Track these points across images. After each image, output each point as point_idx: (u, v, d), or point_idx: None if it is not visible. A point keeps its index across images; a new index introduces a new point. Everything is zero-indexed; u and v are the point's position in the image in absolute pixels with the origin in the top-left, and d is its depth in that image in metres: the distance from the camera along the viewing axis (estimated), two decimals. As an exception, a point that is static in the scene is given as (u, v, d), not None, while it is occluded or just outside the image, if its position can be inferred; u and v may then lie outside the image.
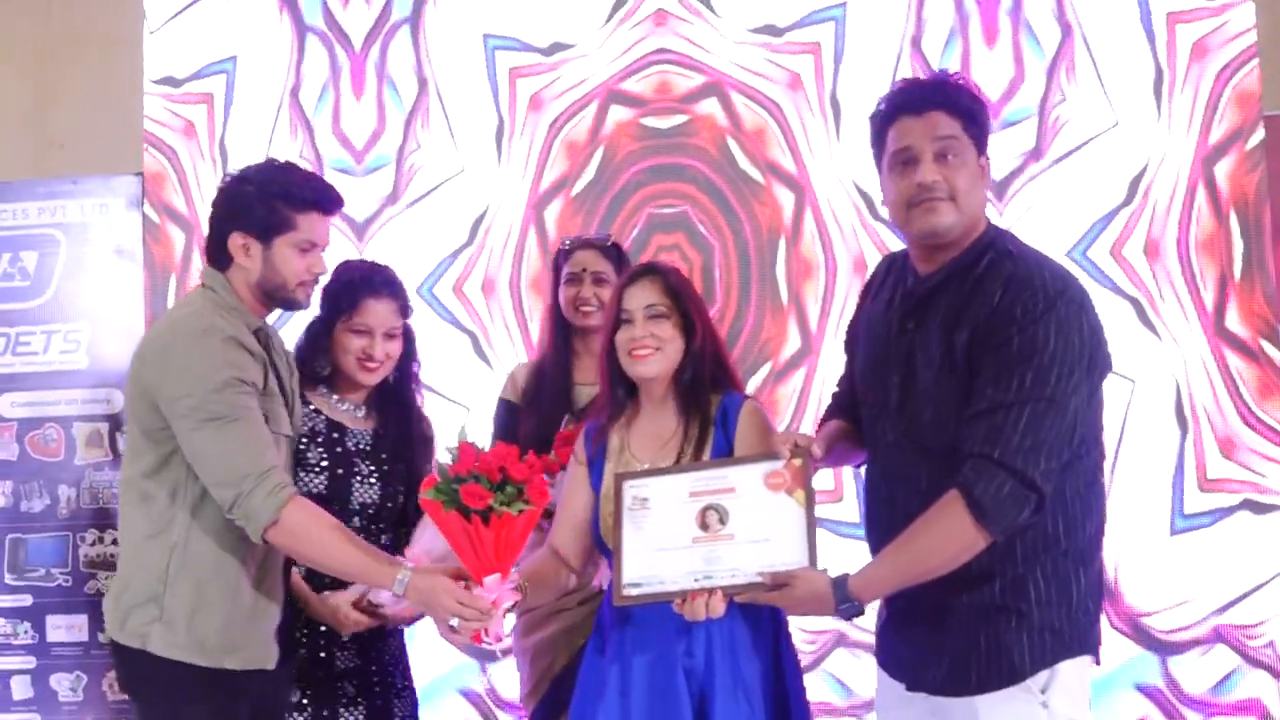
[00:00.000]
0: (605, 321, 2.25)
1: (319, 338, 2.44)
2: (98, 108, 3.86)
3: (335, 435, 2.41)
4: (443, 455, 2.05)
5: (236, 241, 2.22)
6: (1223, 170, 3.19)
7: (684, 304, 2.18)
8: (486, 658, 2.37)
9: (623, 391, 2.22)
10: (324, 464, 2.40)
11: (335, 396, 2.47)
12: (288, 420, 2.27)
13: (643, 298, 2.17)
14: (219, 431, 2.09)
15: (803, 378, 3.35)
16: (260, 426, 2.14)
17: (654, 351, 2.14)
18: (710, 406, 2.17)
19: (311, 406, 2.43)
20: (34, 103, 3.94)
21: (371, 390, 2.49)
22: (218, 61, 3.69)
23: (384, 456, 2.45)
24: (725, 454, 2.12)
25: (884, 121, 1.95)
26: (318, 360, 2.45)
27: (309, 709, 2.35)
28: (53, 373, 3.62)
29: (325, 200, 2.28)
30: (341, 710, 2.36)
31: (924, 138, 1.89)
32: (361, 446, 2.45)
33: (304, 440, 2.38)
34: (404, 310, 2.48)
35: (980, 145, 1.93)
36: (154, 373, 2.15)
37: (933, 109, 1.90)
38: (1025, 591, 1.86)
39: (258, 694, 2.21)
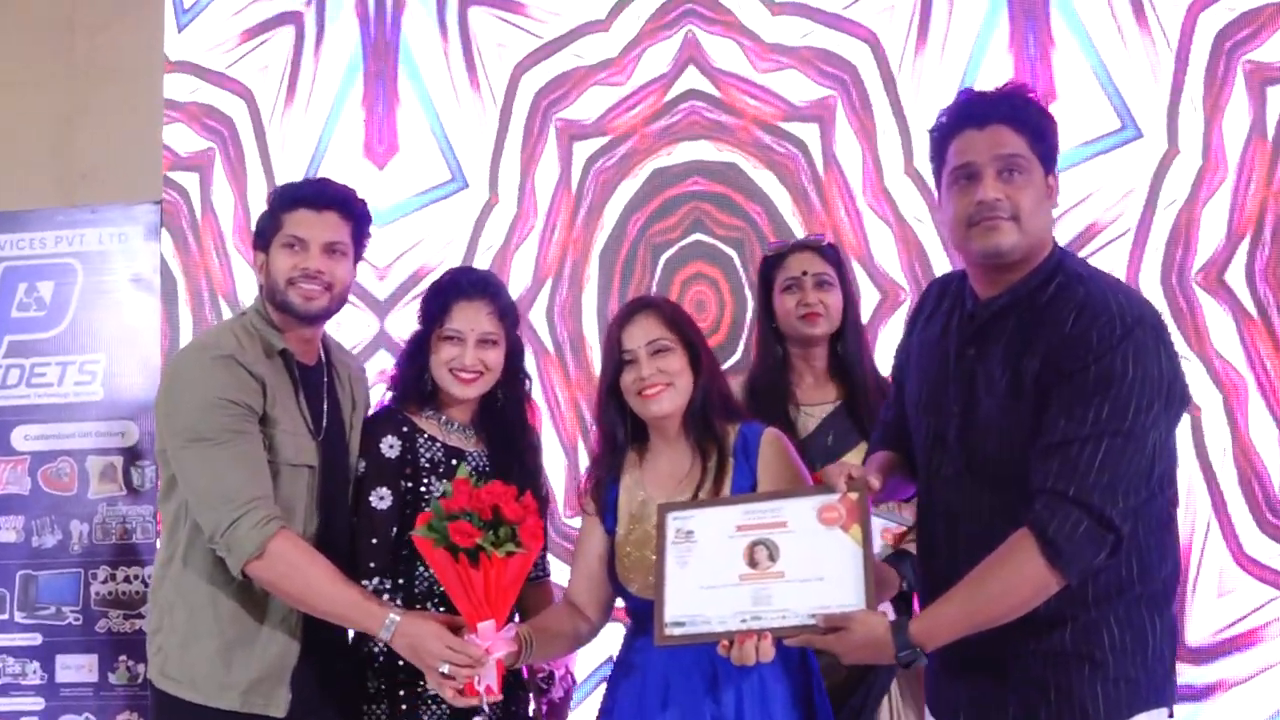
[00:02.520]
0: (603, 365, 2.15)
1: (417, 352, 2.25)
2: (118, 138, 3.81)
3: (454, 462, 2.19)
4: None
5: (257, 261, 2.23)
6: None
7: (686, 333, 2.10)
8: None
9: (623, 435, 2.13)
10: None
11: (443, 417, 2.27)
12: (313, 450, 2.17)
13: (643, 334, 2.07)
14: (204, 454, 2.03)
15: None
16: (252, 453, 2.06)
17: (665, 387, 2.05)
18: (727, 437, 2.08)
19: (426, 435, 2.23)
20: (56, 132, 3.89)
21: (477, 408, 2.29)
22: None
23: (503, 478, 2.14)
24: (749, 485, 2.03)
25: (945, 135, 1.86)
26: (420, 376, 2.25)
27: None
28: (67, 404, 3.54)
29: (311, 195, 2.20)
30: None
31: (986, 153, 1.80)
32: (482, 468, 2.24)
33: (425, 473, 2.20)
34: (502, 315, 2.26)
35: (1048, 163, 1.83)
36: (159, 391, 2.17)
37: (996, 122, 1.80)
38: (1098, 638, 1.75)
39: None
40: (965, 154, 1.81)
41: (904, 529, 2.18)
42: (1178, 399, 1.76)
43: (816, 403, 2.51)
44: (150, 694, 2.13)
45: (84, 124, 3.87)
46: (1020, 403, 1.76)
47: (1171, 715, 1.82)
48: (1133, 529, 1.71)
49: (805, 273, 2.51)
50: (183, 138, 3.65)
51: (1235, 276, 3.01)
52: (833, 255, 2.57)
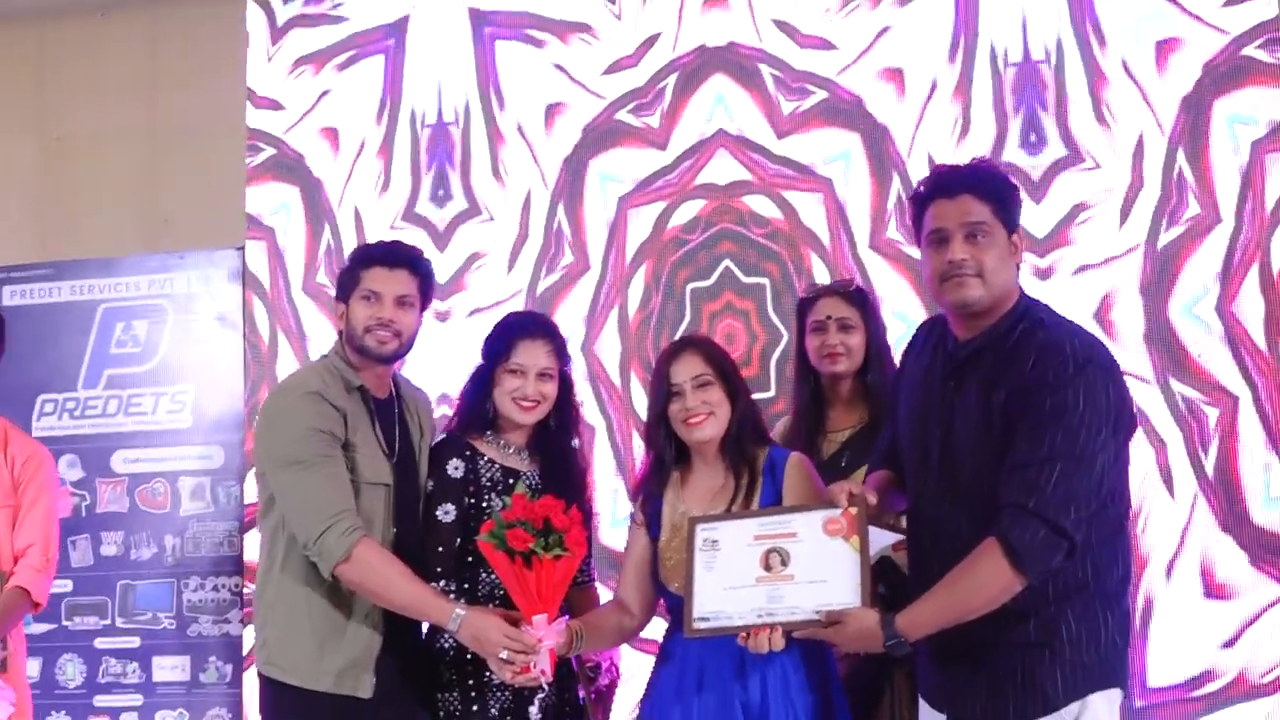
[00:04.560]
0: (652, 395, 2.42)
1: (482, 382, 2.55)
2: (203, 186, 4.17)
3: (511, 481, 2.48)
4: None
5: (338, 310, 2.55)
6: None
7: (725, 369, 2.37)
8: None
9: (670, 457, 2.41)
10: None
11: (501, 440, 2.54)
12: (388, 470, 2.48)
13: (688, 370, 2.34)
14: (298, 475, 2.35)
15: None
16: (338, 473, 2.37)
17: (707, 417, 2.33)
18: (758, 459, 2.36)
19: (486, 458, 2.52)
20: (145, 182, 4.25)
21: (532, 433, 2.56)
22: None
23: (553, 494, 2.40)
24: (774, 502, 2.31)
25: (922, 202, 2.14)
26: (483, 404, 2.54)
27: None
28: (160, 431, 3.92)
29: (386, 255, 2.53)
30: None
31: (954, 220, 2.07)
32: (534, 486, 2.50)
33: (485, 491, 2.48)
34: (559, 354, 2.54)
35: (1010, 225, 2.11)
36: (257, 424, 2.51)
37: (963, 192, 2.08)
38: (1057, 629, 2.02)
39: None
40: (937, 220, 2.10)
41: (903, 540, 2.49)
42: (1125, 426, 2.05)
43: (840, 428, 2.79)
44: (259, 681, 2.46)
45: (169, 177, 4.22)
46: (990, 430, 2.04)
47: (1125, 695, 2.08)
48: (1086, 536, 1.98)
49: (829, 317, 2.76)
50: (264, 188, 3.98)
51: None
52: (859, 299, 2.81)
